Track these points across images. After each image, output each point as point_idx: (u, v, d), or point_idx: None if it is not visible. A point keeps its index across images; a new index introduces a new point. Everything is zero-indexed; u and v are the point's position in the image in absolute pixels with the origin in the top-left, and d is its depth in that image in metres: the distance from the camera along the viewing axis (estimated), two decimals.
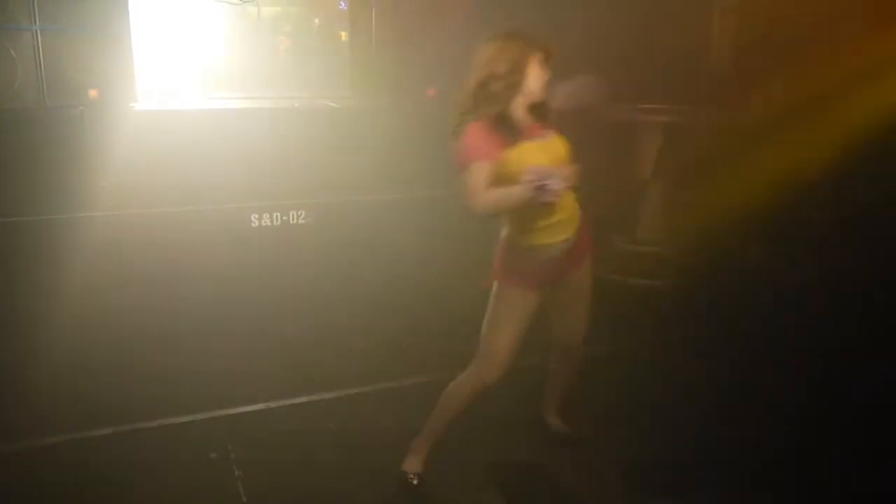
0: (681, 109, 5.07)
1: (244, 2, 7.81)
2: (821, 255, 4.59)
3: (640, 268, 5.09)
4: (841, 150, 4.49)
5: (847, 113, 4.49)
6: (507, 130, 2.39)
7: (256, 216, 4.94)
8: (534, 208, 2.34)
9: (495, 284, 2.57)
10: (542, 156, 2.38)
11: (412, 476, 2.65)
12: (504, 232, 2.56)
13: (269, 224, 4.97)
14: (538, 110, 2.49)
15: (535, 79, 2.43)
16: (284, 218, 5.01)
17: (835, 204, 4.54)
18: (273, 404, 3.29)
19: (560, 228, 2.49)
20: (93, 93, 4.70)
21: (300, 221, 5.04)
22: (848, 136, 4.46)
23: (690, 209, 5.31)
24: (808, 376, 3.61)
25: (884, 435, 3.09)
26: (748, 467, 2.87)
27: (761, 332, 4.16)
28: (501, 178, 2.35)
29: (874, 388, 3.44)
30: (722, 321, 4.36)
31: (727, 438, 3.05)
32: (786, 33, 4.75)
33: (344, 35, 7.05)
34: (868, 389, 3.44)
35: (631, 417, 3.12)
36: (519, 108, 2.44)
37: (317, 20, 9.06)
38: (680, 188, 5.20)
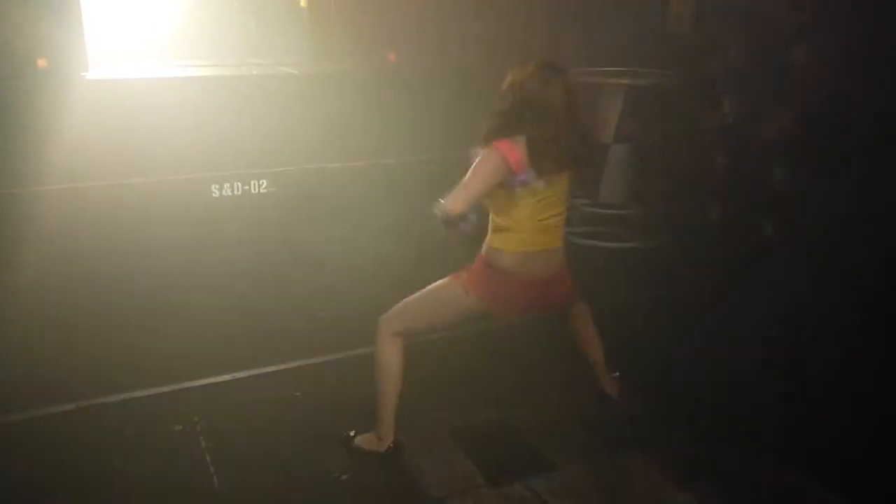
0: (642, 72, 5.09)
1: None
2: (777, 211, 4.70)
3: (602, 230, 5.15)
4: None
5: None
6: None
7: (217, 186, 4.86)
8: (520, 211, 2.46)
9: (466, 287, 2.57)
10: (533, 199, 2.46)
11: (387, 446, 2.67)
12: (488, 241, 2.57)
13: (230, 194, 4.90)
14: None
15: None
16: (245, 187, 4.94)
17: (790, 163, 4.63)
18: (239, 374, 3.28)
19: (541, 250, 2.54)
20: (41, 62, 4.53)
21: (262, 190, 4.98)
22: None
23: (652, 171, 5.37)
24: (775, 326, 3.71)
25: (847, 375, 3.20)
26: (715, 421, 2.95)
27: (725, 287, 4.26)
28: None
29: (831, 333, 3.57)
30: (685, 279, 4.45)
31: (697, 394, 3.13)
32: None
33: (303, 0, 6.90)
34: (825, 334, 3.56)
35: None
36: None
37: None
38: (641, 150, 5.24)
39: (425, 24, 5.49)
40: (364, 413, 2.88)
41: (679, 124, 5.38)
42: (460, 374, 3.28)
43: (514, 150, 2.40)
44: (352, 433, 2.75)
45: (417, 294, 2.65)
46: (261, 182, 4.96)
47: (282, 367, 3.37)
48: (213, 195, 4.87)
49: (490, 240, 2.56)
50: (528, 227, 2.51)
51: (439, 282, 2.63)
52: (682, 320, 3.89)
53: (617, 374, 3.07)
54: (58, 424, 2.91)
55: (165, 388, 3.15)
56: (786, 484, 2.59)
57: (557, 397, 3.10)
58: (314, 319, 3.85)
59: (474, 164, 2.43)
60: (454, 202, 2.38)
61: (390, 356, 2.60)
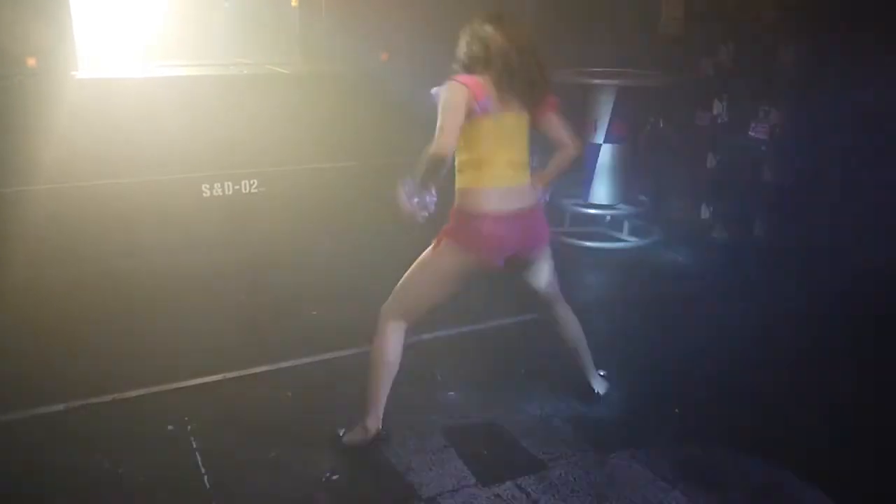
0: (634, 73, 5.11)
1: None
2: (769, 213, 4.72)
3: (592, 230, 5.17)
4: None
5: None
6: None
7: (207, 186, 4.84)
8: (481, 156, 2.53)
9: (443, 243, 2.60)
10: (497, 130, 2.53)
11: (374, 433, 2.69)
12: (457, 184, 2.60)
13: (221, 194, 4.88)
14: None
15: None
16: (236, 187, 4.92)
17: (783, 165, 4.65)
18: (229, 375, 3.27)
19: (511, 187, 2.58)
20: (31, 61, 4.50)
21: (252, 190, 4.97)
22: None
23: (641, 170, 5.39)
24: (767, 325, 3.75)
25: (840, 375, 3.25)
26: (704, 421, 2.97)
27: (715, 289, 4.29)
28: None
29: (824, 332, 3.61)
30: (674, 280, 4.47)
31: (686, 394, 3.15)
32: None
33: (294, 1, 6.89)
34: (817, 333, 3.61)
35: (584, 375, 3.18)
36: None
37: None
38: (632, 150, 5.26)
39: (418, 24, 5.49)
40: (356, 414, 2.89)
41: (670, 125, 5.41)
42: (452, 375, 3.28)
43: (472, 78, 2.50)
44: (341, 431, 2.76)
45: (406, 274, 2.68)
46: (252, 182, 4.96)
47: (272, 367, 3.37)
48: (204, 195, 4.86)
49: (461, 182, 2.58)
50: (500, 161, 2.55)
51: (421, 256, 2.66)
52: (673, 320, 3.92)
53: (603, 373, 3.10)
54: (48, 425, 2.90)
55: (156, 389, 3.14)
56: (776, 483, 2.60)
57: (548, 397, 3.11)
58: (305, 319, 3.85)
59: (441, 103, 2.47)
60: (443, 142, 2.41)
61: (388, 344, 2.64)
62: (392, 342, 2.64)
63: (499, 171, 2.56)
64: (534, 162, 2.68)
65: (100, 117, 4.52)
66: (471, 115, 2.47)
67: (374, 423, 2.68)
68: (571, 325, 2.97)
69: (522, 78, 2.52)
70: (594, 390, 3.04)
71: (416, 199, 2.47)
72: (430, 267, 2.63)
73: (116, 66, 5.64)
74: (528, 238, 2.67)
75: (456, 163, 2.57)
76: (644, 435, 2.86)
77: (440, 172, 2.42)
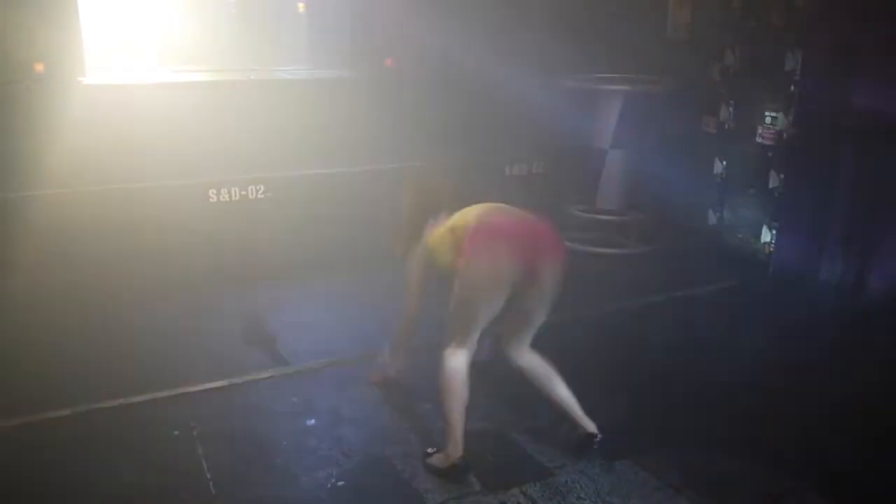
0: (640, 78, 5.10)
1: None
2: (774, 217, 4.71)
3: (599, 236, 5.16)
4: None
5: None
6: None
7: (214, 191, 4.83)
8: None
9: (467, 263, 2.59)
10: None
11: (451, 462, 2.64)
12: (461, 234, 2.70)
13: (228, 199, 4.87)
14: None
15: None
16: (243, 193, 4.92)
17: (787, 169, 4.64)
18: (235, 380, 3.28)
19: (499, 204, 2.76)
20: (38, 67, 4.52)
21: (259, 196, 4.96)
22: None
23: (649, 176, 5.38)
24: (769, 331, 3.74)
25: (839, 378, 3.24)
26: (709, 427, 2.95)
27: (720, 295, 4.28)
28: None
29: (824, 337, 3.59)
30: (680, 286, 4.46)
31: (691, 400, 3.13)
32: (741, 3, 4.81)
33: (301, 6, 6.91)
34: (818, 338, 3.59)
35: (593, 383, 3.16)
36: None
37: None
38: (639, 156, 5.25)
39: (424, 30, 5.50)
40: (361, 420, 2.89)
41: (677, 130, 5.40)
42: None
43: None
44: (431, 450, 2.71)
45: (450, 308, 2.65)
46: (259, 187, 4.96)
47: (278, 373, 3.37)
48: (211, 200, 4.86)
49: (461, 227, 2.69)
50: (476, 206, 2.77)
51: (454, 287, 2.64)
52: (680, 326, 3.91)
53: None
54: (54, 429, 2.90)
55: (162, 394, 3.15)
56: (782, 488, 2.59)
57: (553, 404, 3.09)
58: (311, 325, 3.85)
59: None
60: (407, 305, 2.95)
61: (451, 372, 2.61)
62: (448, 369, 2.61)
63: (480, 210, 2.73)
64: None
65: (107, 123, 4.53)
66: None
67: (455, 450, 2.62)
68: (542, 369, 2.79)
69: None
70: (588, 430, 2.76)
71: (394, 362, 3.04)
72: (459, 289, 2.61)
73: (123, 72, 5.65)
74: (541, 245, 2.63)
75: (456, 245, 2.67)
76: (650, 441, 2.85)
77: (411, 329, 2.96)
